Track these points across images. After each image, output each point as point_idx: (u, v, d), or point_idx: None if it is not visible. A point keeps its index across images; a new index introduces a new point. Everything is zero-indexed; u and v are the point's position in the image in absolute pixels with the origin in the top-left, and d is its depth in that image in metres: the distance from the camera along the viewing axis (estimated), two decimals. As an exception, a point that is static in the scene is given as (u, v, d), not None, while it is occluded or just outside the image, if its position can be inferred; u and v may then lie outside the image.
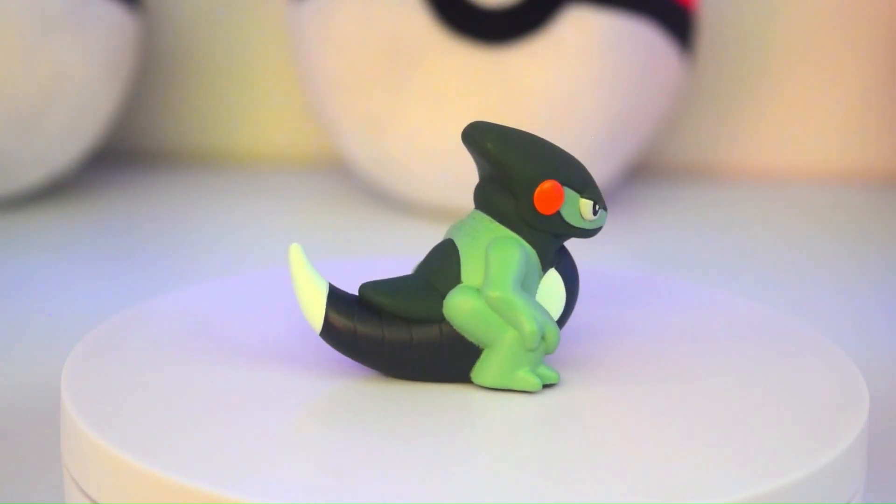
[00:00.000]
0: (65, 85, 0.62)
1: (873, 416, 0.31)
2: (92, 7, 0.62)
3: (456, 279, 0.31)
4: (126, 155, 0.74)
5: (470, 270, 0.31)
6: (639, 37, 0.61)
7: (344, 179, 0.70)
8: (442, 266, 0.31)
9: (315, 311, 0.31)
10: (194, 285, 0.38)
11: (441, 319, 0.31)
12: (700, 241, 0.63)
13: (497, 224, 0.31)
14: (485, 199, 0.32)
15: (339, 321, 0.31)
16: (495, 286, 0.30)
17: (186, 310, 0.36)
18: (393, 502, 0.26)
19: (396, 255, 0.37)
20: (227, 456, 0.28)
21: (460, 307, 0.31)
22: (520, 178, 0.31)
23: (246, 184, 0.71)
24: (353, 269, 0.33)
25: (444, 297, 0.31)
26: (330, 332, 0.31)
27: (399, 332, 0.31)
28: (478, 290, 0.31)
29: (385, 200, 0.66)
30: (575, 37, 0.60)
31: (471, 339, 0.31)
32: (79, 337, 0.34)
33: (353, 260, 0.39)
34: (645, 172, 0.73)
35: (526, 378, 0.31)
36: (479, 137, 0.31)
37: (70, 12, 0.61)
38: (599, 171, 0.64)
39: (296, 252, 0.31)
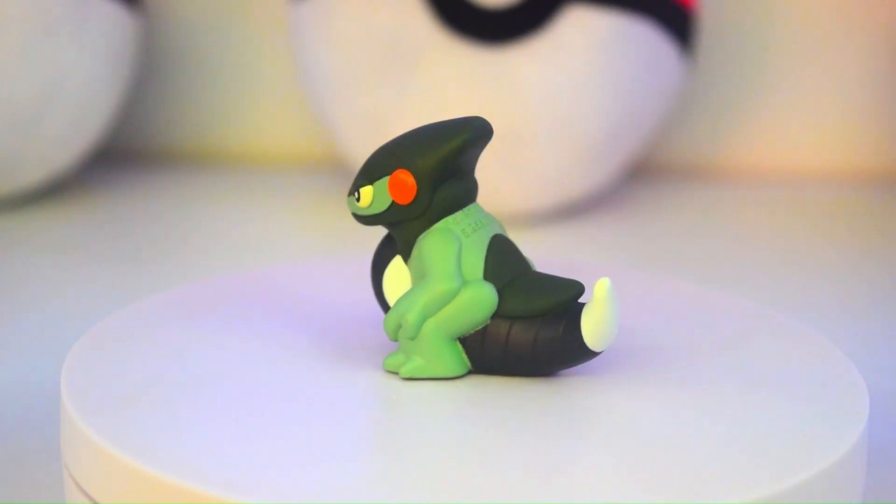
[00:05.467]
0: (65, 85, 0.62)
1: (873, 416, 0.31)
2: (92, 7, 0.62)
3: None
4: (126, 155, 0.74)
5: None
6: (639, 37, 0.61)
7: (344, 179, 0.70)
8: (521, 258, 0.33)
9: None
10: (194, 284, 0.38)
11: None
12: (700, 241, 0.63)
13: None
14: (472, 191, 0.33)
15: None
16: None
17: (185, 309, 0.36)
18: (392, 502, 0.26)
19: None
20: (227, 456, 0.28)
21: None
22: None
23: (246, 184, 0.71)
24: (354, 268, 0.33)
25: None
26: None
27: None
28: None
29: (385, 200, 0.66)
30: (575, 37, 0.60)
31: None
32: (79, 337, 0.34)
33: (352, 259, 0.39)
34: (645, 172, 0.73)
35: None
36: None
37: (70, 12, 0.61)
38: (599, 172, 0.64)
39: (608, 283, 0.30)
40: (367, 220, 0.32)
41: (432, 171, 0.31)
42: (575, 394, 0.31)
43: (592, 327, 0.31)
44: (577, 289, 0.31)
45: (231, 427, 0.29)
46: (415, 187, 0.31)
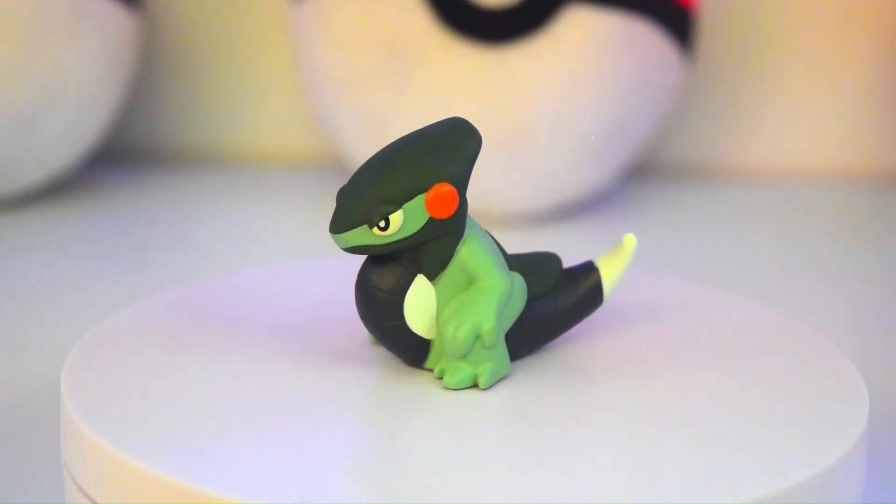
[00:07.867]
0: (65, 85, 0.62)
1: (873, 416, 0.31)
2: (92, 7, 0.62)
3: None
4: (126, 155, 0.74)
5: None
6: (639, 37, 0.61)
7: (344, 179, 0.70)
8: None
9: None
10: (194, 284, 0.38)
11: None
12: (700, 241, 0.63)
13: None
14: None
15: None
16: None
17: (186, 309, 0.36)
18: (391, 502, 0.26)
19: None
20: (227, 456, 0.28)
21: None
22: None
23: (246, 184, 0.71)
24: (355, 268, 0.33)
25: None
26: None
27: None
28: None
29: (385, 200, 0.66)
30: (575, 37, 0.60)
31: None
32: (79, 337, 0.34)
33: (353, 259, 0.39)
34: (645, 172, 0.73)
35: None
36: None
37: (70, 12, 0.61)
38: (599, 172, 0.64)
39: (635, 238, 0.34)
40: (385, 247, 0.30)
41: (466, 178, 0.30)
42: (572, 395, 0.31)
43: (612, 276, 0.34)
44: (558, 257, 0.34)
45: (231, 427, 0.29)
46: (458, 197, 0.30)
